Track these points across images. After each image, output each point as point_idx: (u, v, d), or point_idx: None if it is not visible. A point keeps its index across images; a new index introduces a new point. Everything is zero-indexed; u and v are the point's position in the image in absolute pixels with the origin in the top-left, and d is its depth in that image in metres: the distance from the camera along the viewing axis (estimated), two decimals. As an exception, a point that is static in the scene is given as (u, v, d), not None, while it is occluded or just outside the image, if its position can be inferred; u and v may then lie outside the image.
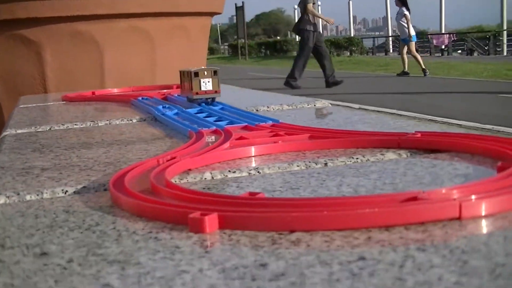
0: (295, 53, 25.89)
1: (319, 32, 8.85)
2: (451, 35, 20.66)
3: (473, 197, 0.45)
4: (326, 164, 0.68)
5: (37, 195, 0.61)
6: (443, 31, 22.65)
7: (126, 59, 2.46)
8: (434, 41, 20.27)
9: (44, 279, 0.38)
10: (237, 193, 0.57)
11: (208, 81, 1.19)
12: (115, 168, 0.71)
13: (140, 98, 1.45)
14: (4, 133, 1.09)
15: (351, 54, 21.47)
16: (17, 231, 0.49)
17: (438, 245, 0.39)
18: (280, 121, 0.93)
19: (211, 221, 0.45)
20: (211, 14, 2.84)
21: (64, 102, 1.67)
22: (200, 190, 0.59)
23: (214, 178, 0.65)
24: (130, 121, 1.16)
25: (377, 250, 0.39)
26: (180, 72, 1.29)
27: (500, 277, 0.33)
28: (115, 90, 1.87)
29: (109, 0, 2.35)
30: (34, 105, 1.63)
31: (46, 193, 0.62)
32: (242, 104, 1.23)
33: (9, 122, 1.26)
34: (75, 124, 1.15)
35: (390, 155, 0.70)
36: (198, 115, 1.08)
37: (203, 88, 1.19)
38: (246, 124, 0.93)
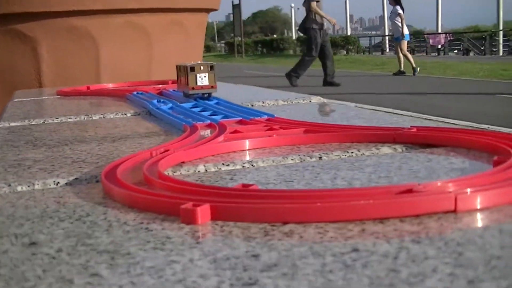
0: (291, 52, 25.92)
1: (325, 30, 8.79)
2: (447, 35, 20.67)
3: (468, 190, 0.45)
4: (320, 157, 0.67)
5: (28, 186, 0.61)
6: (439, 31, 22.66)
7: (122, 55, 2.45)
8: (431, 41, 20.29)
9: (32, 268, 0.37)
10: (230, 186, 0.56)
11: (205, 76, 1.18)
12: (108, 161, 0.70)
13: (135, 92, 1.44)
14: (-3, 126, 1.08)
15: (347, 53, 21.46)
16: (7, 221, 0.48)
17: (433, 237, 0.39)
18: (275, 115, 0.92)
19: (203, 212, 0.44)
20: (208, 10, 2.83)
21: (59, 96, 1.66)
22: (193, 182, 0.58)
23: (208, 170, 0.64)
24: (125, 115, 1.16)
25: (371, 242, 0.38)
26: (177, 66, 1.28)
27: (495, 268, 0.33)
28: (110, 85, 1.86)
29: (106, -5, 2.34)
30: (28, 99, 1.62)
31: (38, 184, 0.61)
32: (237, 99, 1.22)
33: (2, 115, 1.26)
34: (69, 118, 1.14)
35: (386, 149, 0.70)
36: (193, 109, 1.07)
37: (199, 83, 1.18)
38: (241, 118, 0.92)
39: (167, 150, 0.68)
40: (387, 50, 21.97)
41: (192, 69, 1.17)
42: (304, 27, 8.75)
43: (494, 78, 9.82)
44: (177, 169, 0.64)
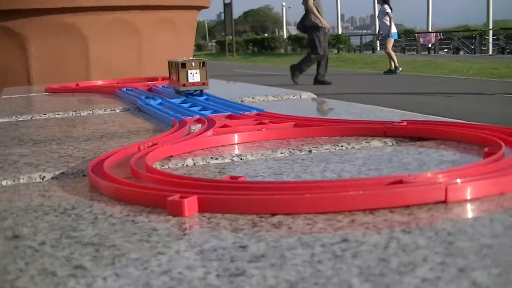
0: (282, 51, 25.87)
1: (325, 29, 8.73)
2: (438, 33, 20.72)
3: (458, 180, 0.44)
4: (310, 151, 0.66)
5: (13, 180, 0.60)
6: (430, 30, 22.71)
7: (112, 52, 2.43)
8: (421, 40, 20.32)
9: (14, 260, 0.36)
10: (218, 178, 0.55)
11: (196, 73, 1.15)
12: (95, 155, 0.69)
13: (124, 89, 1.43)
14: (-16, 122, 1.07)
15: (338, 51, 21.47)
16: (-10, 215, 0.47)
17: (423, 227, 0.38)
18: (265, 110, 0.92)
19: (190, 204, 0.43)
20: (198, 8, 2.82)
21: (47, 93, 1.64)
22: (181, 175, 0.57)
23: (196, 164, 0.63)
24: (114, 111, 1.15)
25: (361, 232, 0.38)
26: (169, 62, 1.25)
27: (486, 257, 0.32)
28: (100, 82, 1.84)
29: (95, -8, 2.32)
30: (16, 96, 1.60)
31: (23, 178, 0.60)
32: (227, 95, 1.21)
33: (-11, 112, 1.24)
34: (57, 114, 1.13)
35: (376, 143, 0.69)
36: (183, 105, 1.06)
37: (190, 80, 1.15)
38: (231, 113, 0.91)
39: (155, 144, 0.67)
40: (378, 49, 21.99)
41: (184, 65, 1.14)
42: (303, 25, 8.70)
43: (484, 76, 9.86)
44: (165, 163, 0.63)
